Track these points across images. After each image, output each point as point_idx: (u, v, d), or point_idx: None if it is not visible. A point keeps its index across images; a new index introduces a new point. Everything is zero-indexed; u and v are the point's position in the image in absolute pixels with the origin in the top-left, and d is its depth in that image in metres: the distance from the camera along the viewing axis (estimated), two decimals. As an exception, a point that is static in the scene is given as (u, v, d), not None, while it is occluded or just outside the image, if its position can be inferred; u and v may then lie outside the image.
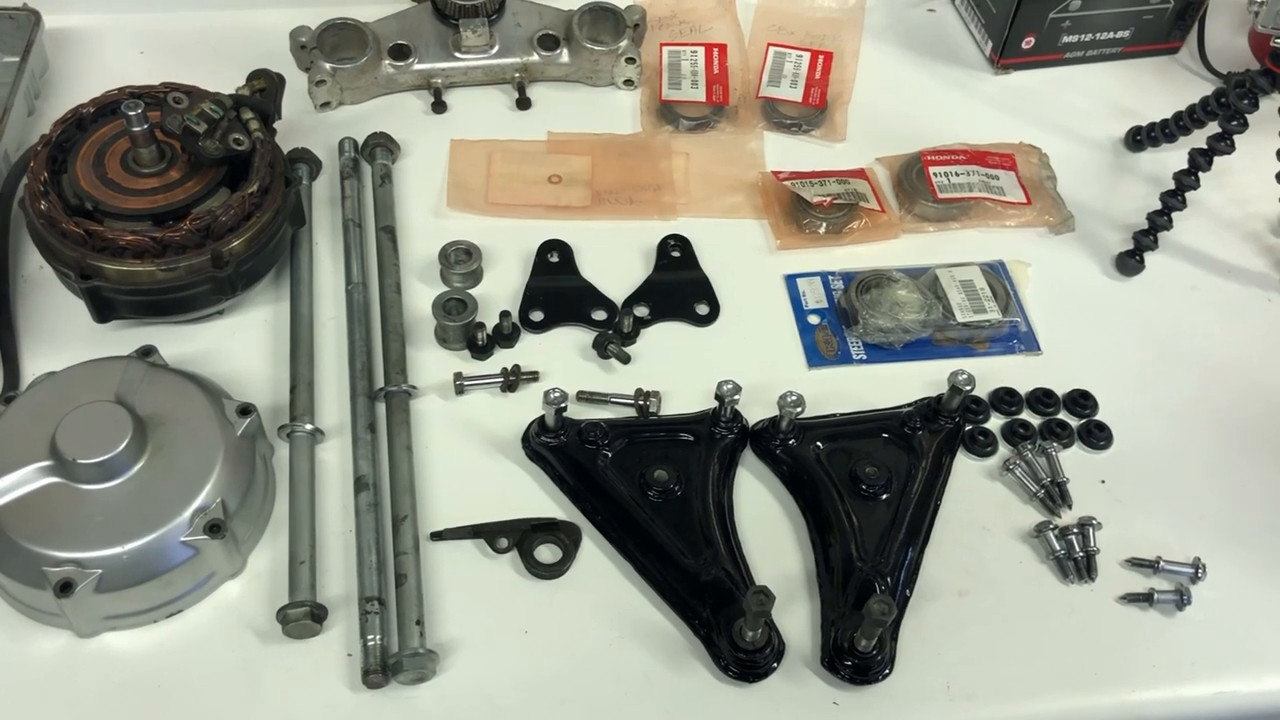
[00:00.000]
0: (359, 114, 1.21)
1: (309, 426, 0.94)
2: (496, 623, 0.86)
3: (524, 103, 1.22)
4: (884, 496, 0.93)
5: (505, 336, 1.03)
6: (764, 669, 0.84)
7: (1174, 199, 1.10)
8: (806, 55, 1.28)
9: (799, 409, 0.93)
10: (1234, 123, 1.07)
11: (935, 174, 1.15)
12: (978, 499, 0.96)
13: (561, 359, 1.03)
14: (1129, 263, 1.11)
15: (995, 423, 1.01)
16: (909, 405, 0.99)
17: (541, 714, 0.83)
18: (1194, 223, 1.15)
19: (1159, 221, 1.10)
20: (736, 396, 0.93)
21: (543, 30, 1.23)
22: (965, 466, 0.98)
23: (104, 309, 0.96)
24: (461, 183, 1.15)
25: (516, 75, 1.23)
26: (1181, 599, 0.89)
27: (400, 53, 1.21)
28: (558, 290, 1.07)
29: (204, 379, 0.93)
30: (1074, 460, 0.98)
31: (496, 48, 1.22)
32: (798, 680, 0.85)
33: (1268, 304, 1.11)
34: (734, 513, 0.93)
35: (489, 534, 0.90)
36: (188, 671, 0.83)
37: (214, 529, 0.83)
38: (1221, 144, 1.07)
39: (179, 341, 1.00)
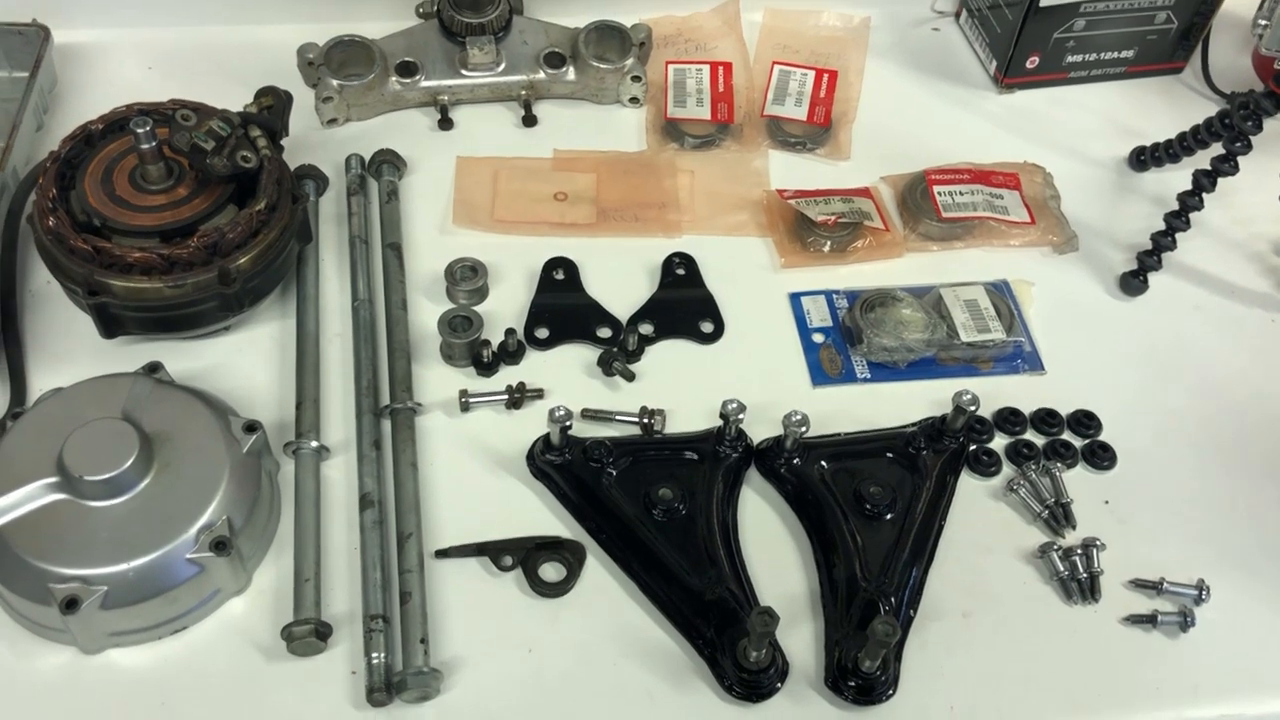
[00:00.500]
0: (366, 130, 1.21)
1: (314, 443, 0.94)
2: (500, 641, 0.87)
3: (530, 120, 1.23)
4: (888, 516, 0.93)
5: (510, 354, 1.03)
6: (768, 689, 0.84)
7: (1178, 220, 1.10)
8: (811, 74, 1.28)
9: (803, 428, 0.93)
10: (1238, 144, 1.07)
11: (940, 193, 1.16)
12: (982, 519, 0.96)
13: (566, 376, 1.03)
14: (1133, 283, 1.12)
15: (999, 443, 1.01)
16: (913, 425, 0.99)
17: (545, 733, 0.83)
18: (1198, 243, 1.15)
19: (1163, 242, 1.11)
20: (741, 416, 0.94)
21: (549, 48, 1.24)
22: (969, 486, 0.98)
23: (111, 325, 0.96)
24: (467, 200, 1.15)
25: (523, 93, 1.23)
26: (1185, 621, 0.89)
27: (407, 70, 1.21)
28: (563, 307, 1.07)
29: (210, 395, 0.93)
30: (1078, 480, 0.98)
31: (503, 65, 1.23)
32: (802, 701, 0.85)
33: (1271, 324, 1.11)
34: (738, 532, 0.93)
35: (493, 552, 0.90)
36: (191, 688, 0.83)
37: (219, 546, 0.83)
38: (1225, 165, 1.08)
39: (185, 357, 1.01)
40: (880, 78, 1.32)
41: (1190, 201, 1.10)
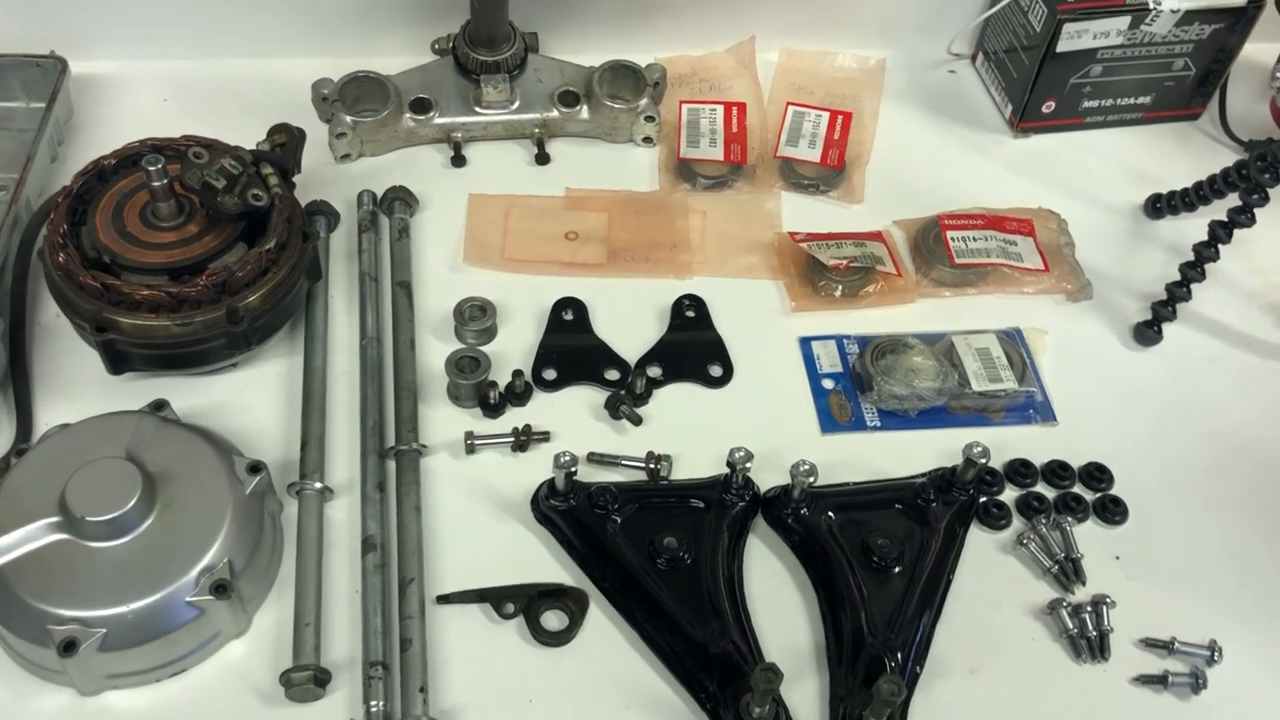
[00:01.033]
0: (379, 166, 1.21)
1: (318, 485, 0.93)
2: (501, 690, 0.86)
3: (543, 158, 1.23)
4: (896, 569, 0.92)
5: (517, 395, 1.02)
6: (771, 746, 0.83)
7: (1193, 270, 1.09)
8: (825, 115, 1.28)
9: (811, 478, 0.92)
10: (1255, 195, 1.06)
11: (953, 238, 1.15)
12: (990, 573, 0.95)
13: (573, 419, 1.02)
14: (1146, 333, 1.11)
15: (1010, 494, 1.00)
16: (922, 476, 0.98)
17: (544, 786, 0.82)
18: (1213, 293, 1.14)
19: (1177, 292, 1.10)
20: (748, 465, 0.93)
21: (563, 87, 1.24)
22: (978, 539, 0.97)
23: (118, 361, 0.96)
24: (478, 238, 1.15)
25: (536, 131, 1.23)
26: (1197, 682, 0.88)
27: (421, 106, 1.21)
28: (571, 349, 1.07)
29: (215, 434, 0.93)
30: (1088, 535, 0.97)
31: (517, 103, 1.23)
32: (804, 758, 0.84)
33: (1287, 377, 1.10)
34: (744, 583, 0.92)
35: (495, 599, 0.89)
36: (189, 733, 0.83)
37: (220, 589, 0.83)
38: (1242, 216, 1.07)
39: (192, 393, 1.00)
40: (895, 120, 1.32)
41: (1206, 253, 1.09)
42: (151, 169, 0.93)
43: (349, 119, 1.18)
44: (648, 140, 1.25)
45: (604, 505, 0.93)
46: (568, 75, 1.25)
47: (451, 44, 1.23)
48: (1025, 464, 1.01)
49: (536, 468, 0.98)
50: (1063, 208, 1.22)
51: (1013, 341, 1.09)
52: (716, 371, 1.07)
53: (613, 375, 1.05)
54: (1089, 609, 0.91)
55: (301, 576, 0.89)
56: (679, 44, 1.34)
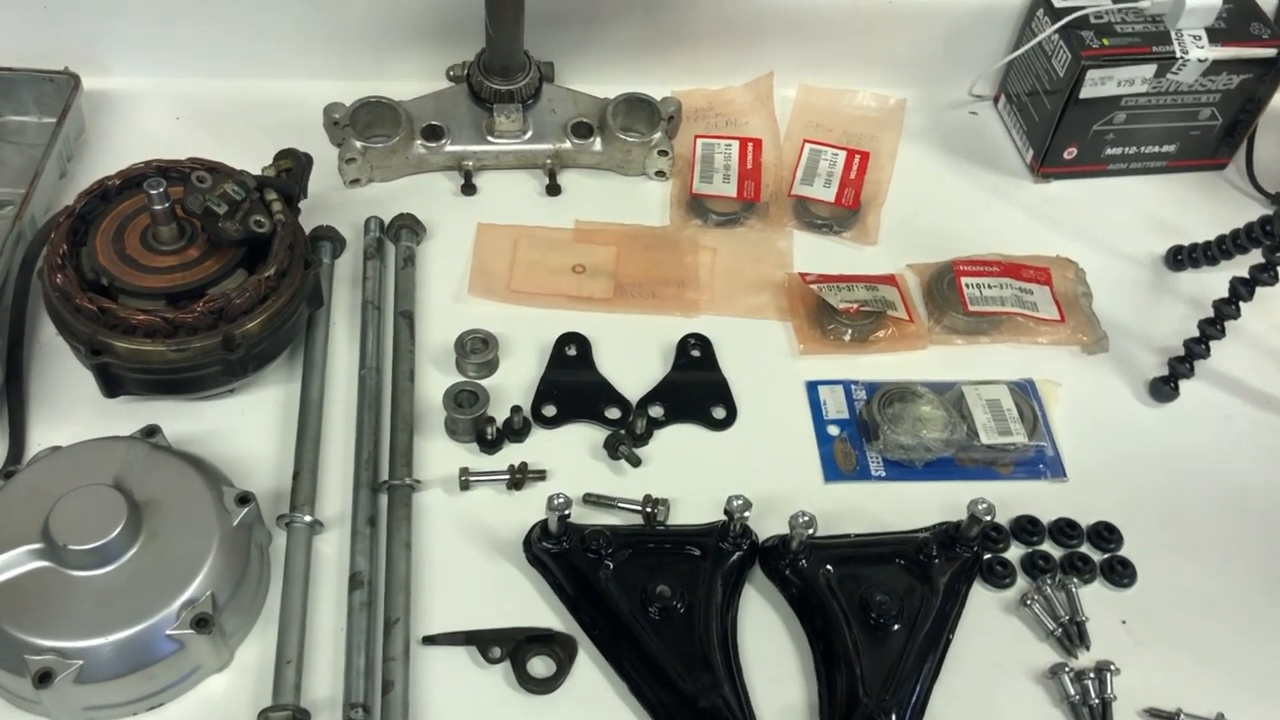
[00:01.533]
0: (388, 192, 1.20)
1: (308, 518, 0.92)
2: (483, 738, 0.84)
3: (554, 189, 1.21)
4: (895, 627, 0.89)
5: (516, 431, 1.01)
6: (757, 808, 0.81)
7: (1212, 327, 1.07)
8: (842, 154, 1.26)
9: (810, 529, 0.90)
10: (1278, 254, 1.03)
11: (967, 285, 1.13)
12: (992, 633, 0.92)
13: (571, 457, 1.01)
14: (1163, 389, 1.08)
15: (1015, 552, 0.97)
16: (926, 530, 0.96)
17: (522, 840, 0.80)
18: (1233, 349, 1.11)
19: (1196, 349, 1.07)
20: (746, 514, 0.91)
21: (577, 118, 1.23)
22: (981, 597, 0.94)
23: (113, 385, 0.95)
24: (485, 268, 1.14)
25: (548, 161, 1.22)
26: (1202, 757, 0.85)
27: (433, 133, 1.20)
28: (573, 385, 1.05)
29: (206, 463, 0.92)
30: (1095, 597, 0.94)
31: (530, 133, 1.21)
32: (791, 821, 0.82)
33: (1307, 440, 1.07)
34: (737, 634, 0.90)
35: (482, 642, 0.88)
36: (163, 769, 0.81)
37: (201, 623, 0.81)
38: (1265, 274, 1.04)
39: (187, 418, 0.99)
40: (913, 161, 1.30)
41: (1226, 310, 1.06)
42: (153, 192, 0.92)
43: (359, 144, 1.18)
44: (660, 174, 1.24)
45: (597, 549, 0.91)
46: (582, 106, 1.24)
47: (466, 71, 1.22)
48: (1032, 521, 0.99)
49: (531, 506, 0.96)
50: (1081, 256, 1.20)
51: (1024, 394, 1.06)
52: (720, 413, 1.05)
53: (613, 414, 1.03)
54: (1092, 675, 0.88)
55: (286, 612, 0.87)
56: (696, 77, 1.32)
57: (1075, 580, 0.94)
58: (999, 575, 0.95)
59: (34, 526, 0.82)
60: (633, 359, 1.08)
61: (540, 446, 1.01)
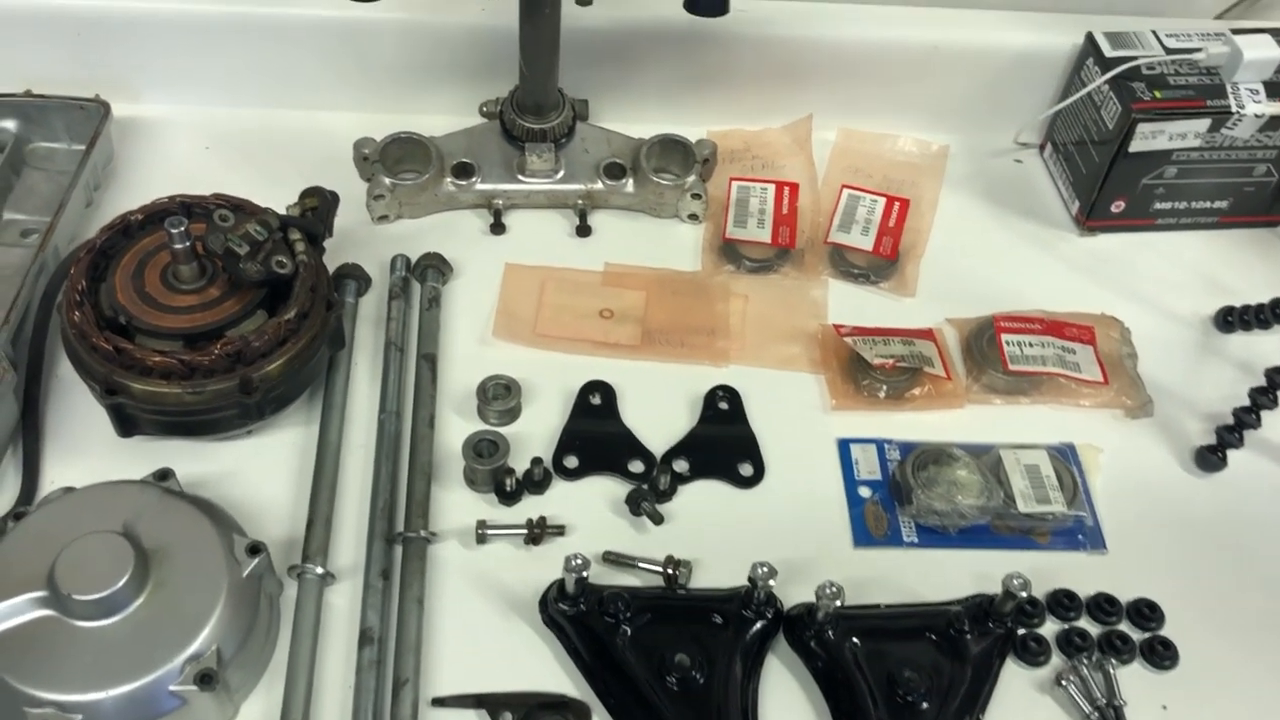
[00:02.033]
0: (416, 229, 1.18)
1: (320, 570, 0.90)
2: (490, 809, 0.81)
3: (584, 230, 1.19)
4: (923, 705, 0.85)
5: (536, 483, 0.98)
6: None
7: (1264, 396, 1.02)
8: (882, 201, 1.22)
9: (837, 601, 0.87)
10: (1336, 321, 0.99)
11: (1008, 342, 1.09)
12: (1025, 714, 0.88)
13: (592, 512, 0.98)
14: (1210, 459, 1.04)
15: (1051, 628, 0.93)
16: (958, 603, 0.92)
17: None
18: (1285, 418, 1.07)
19: (1246, 419, 1.03)
20: (771, 582, 0.87)
21: (610, 158, 1.20)
22: (1013, 675, 0.90)
23: (128, 425, 0.93)
24: (511, 310, 1.11)
25: (579, 202, 1.19)
26: None
27: (464, 171, 1.18)
28: (596, 436, 1.02)
29: (218, 509, 0.90)
30: (1134, 679, 0.90)
31: (562, 172, 1.19)
32: None
33: (1362, 517, 1.02)
34: (758, 707, 0.86)
35: (493, 706, 0.85)
36: (160, 830, 0.79)
37: (205, 680, 0.79)
38: (1321, 343, 1.00)
39: (202, 459, 0.97)
40: (954, 210, 1.26)
41: (1278, 378, 1.02)
42: (174, 231, 0.90)
43: (388, 181, 1.16)
44: (693, 218, 1.21)
45: (615, 613, 0.88)
46: (615, 146, 1.21)
47: (499, 108, 1.20)
48: (1069, 595, 0.95)
49: (549, 563, 0.93)
50: (1127, 315, 1.15)
51: (1064, 459, 1.02)
52: (747, 470, 1.01)
53: (637, 467, 1.00)
54: (1130, 765, 0.84)
55: (293, 668, 0.85)
56: (733, 118, 1.30)
57: (1113, 660, 0.90)
58: (1033, 652, 0.91)
59: (39, 573, 0.80)
60: (658, 410, 1.05)
61: (560, 499, 0.99)
